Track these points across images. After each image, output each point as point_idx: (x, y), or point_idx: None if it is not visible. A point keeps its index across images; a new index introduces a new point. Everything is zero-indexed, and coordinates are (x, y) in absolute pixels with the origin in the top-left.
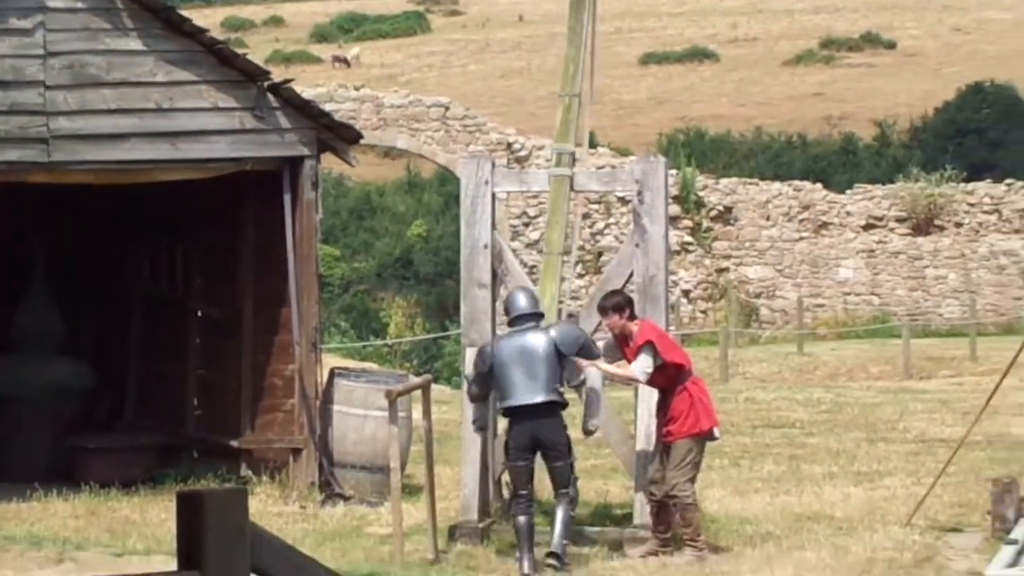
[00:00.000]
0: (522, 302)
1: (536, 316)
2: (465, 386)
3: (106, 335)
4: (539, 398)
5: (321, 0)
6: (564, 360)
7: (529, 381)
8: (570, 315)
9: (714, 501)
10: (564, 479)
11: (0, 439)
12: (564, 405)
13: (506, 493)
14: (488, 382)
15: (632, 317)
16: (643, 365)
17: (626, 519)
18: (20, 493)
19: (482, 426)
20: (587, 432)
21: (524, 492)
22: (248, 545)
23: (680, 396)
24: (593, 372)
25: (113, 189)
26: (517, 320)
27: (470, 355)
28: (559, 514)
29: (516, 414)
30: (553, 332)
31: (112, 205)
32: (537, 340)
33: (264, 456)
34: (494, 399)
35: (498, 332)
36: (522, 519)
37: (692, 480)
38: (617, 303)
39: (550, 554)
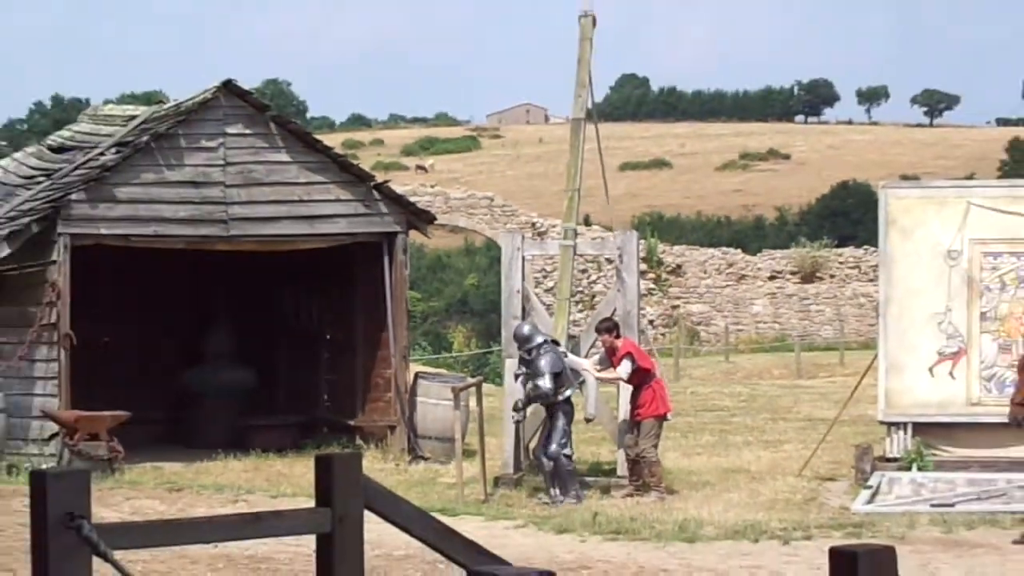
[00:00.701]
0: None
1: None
2: (511, 377)
3: (265, 351)
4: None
5: (407, 128)
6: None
7: None
8: (571, 336)
9: (670, 460)
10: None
11: (195, 421)
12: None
13: (532, 456)
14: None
15: (617, 336)
16: (625, 368)
17: (612, 472)
18: (208, 456)
19: (516, 408)
20: (587, 420)
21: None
22: (362, 490)
23: (647, 390)
24: (591, 376)
25: (270, 255)
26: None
27: (510, 364)
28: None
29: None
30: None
31: (269, 265)
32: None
33: (371, 431)
34: (524, 392)
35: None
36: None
37: (655, 446)
38: (608, 326)
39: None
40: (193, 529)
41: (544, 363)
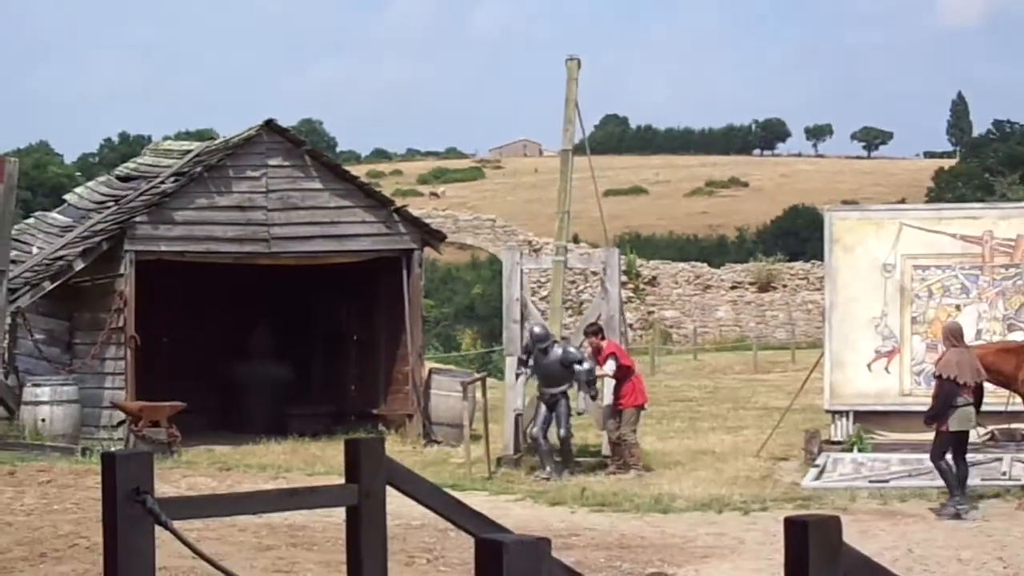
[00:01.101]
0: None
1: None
2: (511, 373)
3: (301, 350)
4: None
5: (422, 160)
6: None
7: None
8: (563, 338)
9: (647, 443)
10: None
11: (241, 409)
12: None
13: (529, 439)
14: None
15: (602, 338)
16: (611, 366)
17: (597, 453)
18: (253, 440)
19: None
20: (579, 413)
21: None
22: (385, 469)
23: (628, 383)
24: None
25: (306, 268)
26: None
27: (510, 362)
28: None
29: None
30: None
31: (305, 277)
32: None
33: (392, 419)
34: (527, 384)
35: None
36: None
37: (634, 431)
38: (594, 330)
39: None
40: (241, 502)
41: (572, 351)
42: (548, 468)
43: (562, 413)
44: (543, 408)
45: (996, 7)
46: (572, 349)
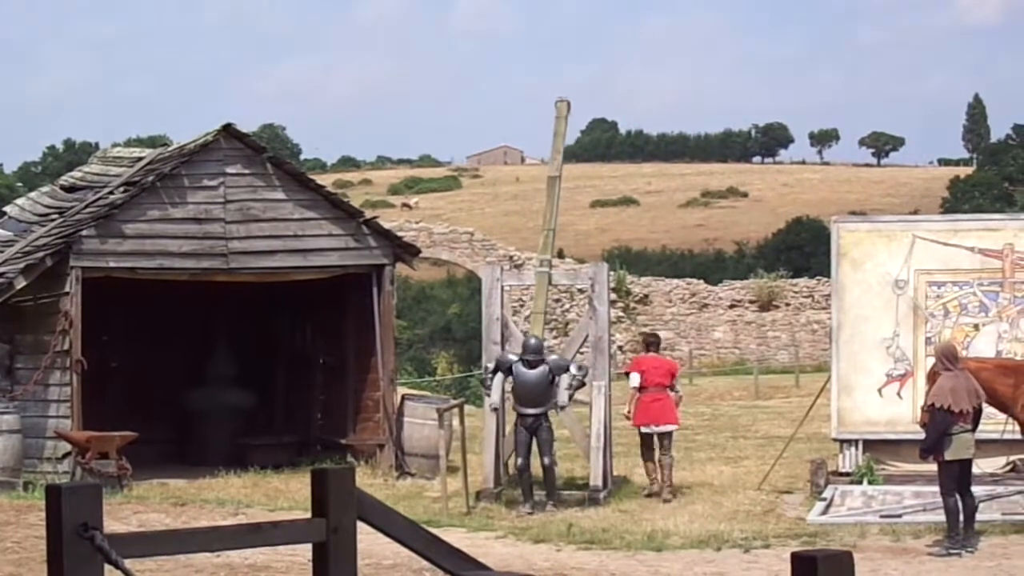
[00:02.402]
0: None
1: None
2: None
3: (263, 374)
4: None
5: (393, 169)
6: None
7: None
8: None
9: (640, 476)
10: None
11: (198, 439)
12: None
13: (511, 471)
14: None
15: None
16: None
17: (584, 486)
18: (210, 473)
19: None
20: (560, 407)
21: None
22: (355, 502)
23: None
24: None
25: (267, 285)
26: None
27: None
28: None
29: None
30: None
31: (267, 295)
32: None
33: (361, 449)
34: (491, 389)
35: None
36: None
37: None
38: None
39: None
40: (198, 538)
41: (560, 359)
42: (530, 504)
43: (544, 439)
44: (523, 434)
45: (1017, 3)
46: (555, 357)
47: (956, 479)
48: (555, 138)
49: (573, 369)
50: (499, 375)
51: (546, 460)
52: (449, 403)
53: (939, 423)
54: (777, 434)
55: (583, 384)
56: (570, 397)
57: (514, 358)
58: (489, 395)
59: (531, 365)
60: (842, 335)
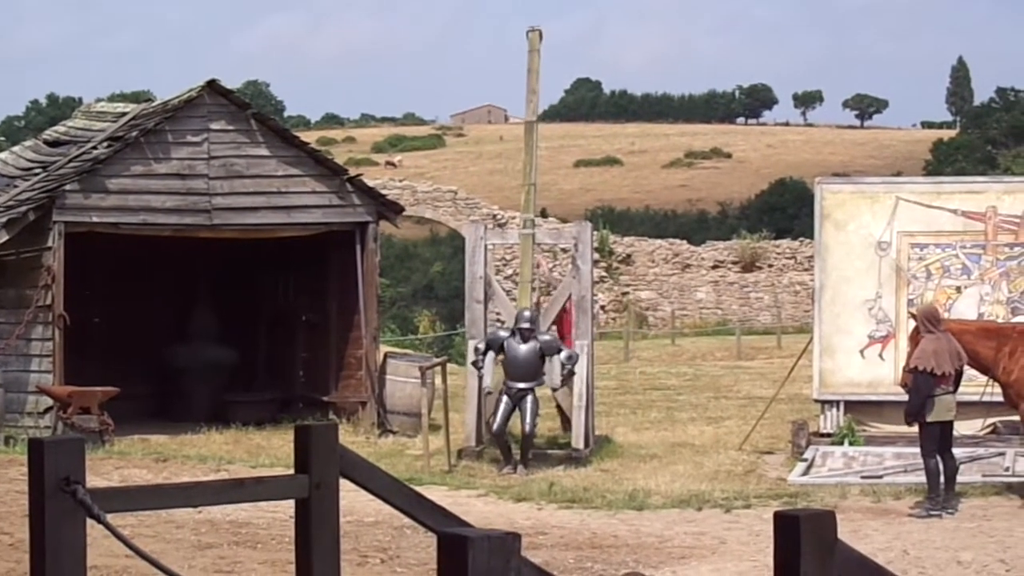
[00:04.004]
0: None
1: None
2: (471, 358)
3: (245, 331)
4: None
5: (377, 127)
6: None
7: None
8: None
9: (620, 435)
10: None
11: (180, 396)
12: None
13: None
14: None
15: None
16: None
17: (567, 444)
18: (192, 429)
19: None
20: (553, 389)
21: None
22: (338, 458)
23: None
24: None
25: (250, 242)
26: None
27: (472, 345)
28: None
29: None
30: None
31: (250, 252)
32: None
33: (344, 406)
34: (484, 372)
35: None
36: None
37: None
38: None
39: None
40: (180, 493)
41: (553, 339)
42: (511, 465)
43: (528, 408)
44: (507, 403)
45: None
46: (547, 337)
47: (937, 441)
48: (529, 75)
49: (563, 357)
50: (491, 354)
51: (527, 428)
52: (431, 361)
53: (922, 387)
54: (759, 395)
55: (573, 373)
56: (563, 382)
57: (504, 334)
58: (482, 375)
59: (524, 338)
60: (824, 296)
